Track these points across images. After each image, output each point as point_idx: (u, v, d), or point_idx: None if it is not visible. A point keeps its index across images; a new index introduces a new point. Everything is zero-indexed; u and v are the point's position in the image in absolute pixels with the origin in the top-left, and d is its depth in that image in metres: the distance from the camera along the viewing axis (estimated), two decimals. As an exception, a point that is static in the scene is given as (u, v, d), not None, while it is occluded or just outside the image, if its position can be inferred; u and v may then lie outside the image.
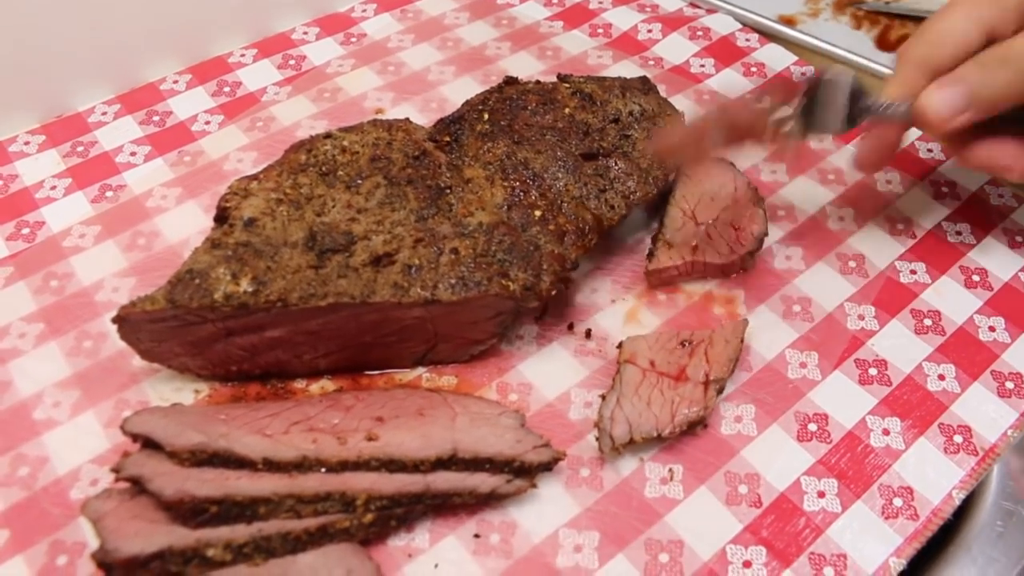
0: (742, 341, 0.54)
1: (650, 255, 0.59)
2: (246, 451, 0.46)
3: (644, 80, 0.64)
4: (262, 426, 0.48)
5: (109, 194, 0.65)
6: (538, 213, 0.54)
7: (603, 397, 0.51)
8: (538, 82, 0.62)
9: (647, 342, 0.54)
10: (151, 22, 0.71)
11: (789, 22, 0.86)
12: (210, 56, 0.76)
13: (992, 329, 0.58)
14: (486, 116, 0.58)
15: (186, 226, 0.62)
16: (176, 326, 0.49)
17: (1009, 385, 0.56)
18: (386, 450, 0.47)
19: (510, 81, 0.62)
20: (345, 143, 0.55)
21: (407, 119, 0.59)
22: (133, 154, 0.68)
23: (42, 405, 0.53)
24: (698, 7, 0.83)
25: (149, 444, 0.47)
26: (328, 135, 0.56)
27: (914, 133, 0.71)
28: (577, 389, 0.54)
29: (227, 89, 0.73)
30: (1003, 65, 0.52)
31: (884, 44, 0.85)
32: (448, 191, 0.54)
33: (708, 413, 0.51)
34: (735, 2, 0.83)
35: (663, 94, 0.70)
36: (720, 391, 0.52)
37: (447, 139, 0.57)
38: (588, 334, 0.56)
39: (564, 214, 0.54)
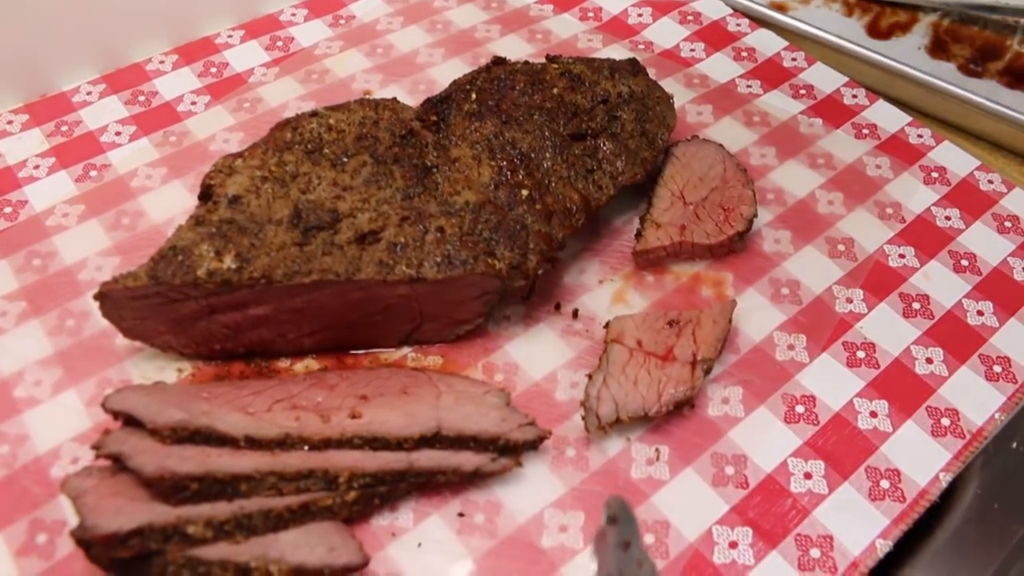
0: (730, 322, 0.54)
1: (638, 235, 0.58)
2: (228, 428, 0.46)
3: (633, 62, 0.64)
4: (245, 404, 0.47)
5: (93, 173, 0.64)
6: (525, 192, 0.53)
7: (590, 377, 0.51)
8: (526, 62, 0.61)
9: (634, 322, 0.53)
10: (137, 2, 0.71)
11: (780, 8, 0.85)
12: (197, 37, 0.75)
13: (980, 313, 0.58)
14: (474, 96, 0.58)
15: (171, 206, 0.62)
16: (159, 303, 0.49)
17: (997, 369, 0.56)
18: (370, 428, 0.46)
19: (498, 61, 0.61)
20: (331, 121, 0.55)
21: (394, 99, 0.58)
22: (118, 134, 0.67)
23: (23, 383, 0.52)
24: (689, -9, 0.83)
25: (130, 422, 0.47)
26: (314, 113, 0.56)
27: (904, 118, 0.71)
28: (564, 370, 0.53)
29: (213, 70, 0.72)
30: None
31: (875, 31, 0.85)
32: (435, 170, 0.53)
33: (695, 393, 0.50)
34: (725, -13, 0.83)
35: (654, 77, 0.70)
36: (708, 371, 0.51)
37: (434, 118, 0.57)
38: (575, 314, 0.56)
39: (551, 194, 0.54)
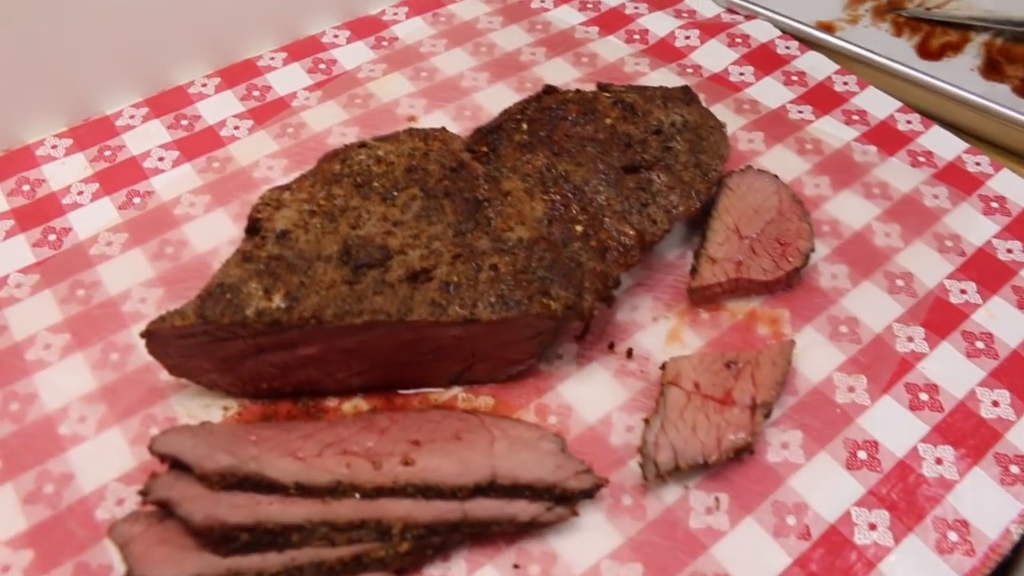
0: (789, 363, 0.52)
1: (693, 271, 0.57)
2: (278, 475, 0.45)
3: (686, 90, 0.62)
4: (294, 448, 0.46)
5: (136, 200, 0.63)
6: (579, 228, 0.52)
7: (646, 421, 0.50)
8: (578, 91, 0.60)
9: (691, 363, 0.52)
10: (179, 23, 0.70)
11: (828, 28, 0.84)
12: (239, 59, 0.74)
13: (1048, 353, 0.57)
14: (524, 126, 0.57)
15: (215, 235, 0.61)
16: (206, 342, 0.48)
17: (1067, 413, 0.54)
18: (423, 475, 0.45)
19: (549, 90, 0.60)
20: (380, 153, 0.54)
21: (443, 128, 0.57)
22: (161, 159, 0.66)
23: (68, 420, 0.52)
24: (736, 13, 0.81)
25: (177, 465, 0.46)
26: (363, 144, 0.54)
27: (960, 145, 0.69)
28: (619, 412, 0.52)
29: (256, 93, 0.71)
30: None
31: (925, 52, 0.83)
32: (486, 204, 0.52)
33: (755, 439, 0.49)
34: (773, 8, 0.81)
35: (703, 103, 0.68)
36: (767, 416, 0.50)
37: (484, 149, 0.56)
38: (629, 354, 0.55)
39: (606, 229, 0.53)
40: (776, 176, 0.62)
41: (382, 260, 0.48)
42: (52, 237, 0.61)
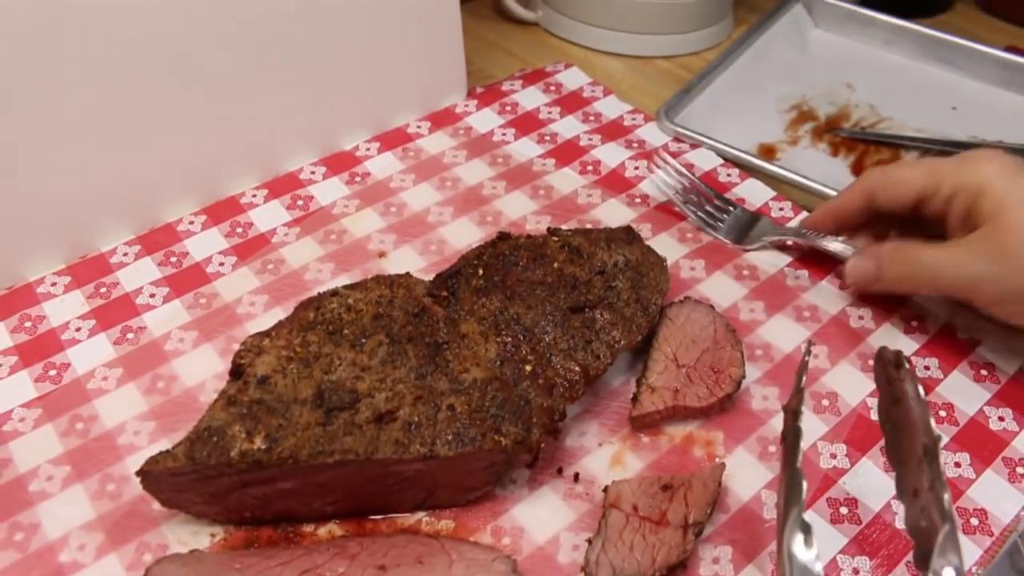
0: (719, 484, 0.58)
1: (634, 399, 0.63)
2: (259, 601, 0.50)
3: (628, 230, 0.69)
4: (274, 575, 0.52)
5: (130, 336, 0.69)
6: (528, 368, 0.58)
7: (589, 541, 0.55)
8: (529, 236, 0.67)
9: (630, 487, 0.58)
10: (168, 164, 0.76)
11: (769, 151, 0.91)
12: (224, 196, 0.80)
13: (958, 464, 0.62)
14: (480, 271, 0.63)
15: (202, 370, 0.66)
16: (195, 479, 0.54)
17: (974, 521, 0.59)
18: (388, 599, 0.51)
19: (503, 236, 0.66)
20: (350, 301, 0.60)
21: (407, 274, 0.63)
22: (152, 296, 0.72)
23: (68, 548, 0.57)
24: (682, 142, 0.89)
25: (169, 592, 0.51)
26: (335, 293, 0.61)
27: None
28: (566, 532, 0.58)
29: (239, 230, 0.77)
30: (910, 266, 0.65)
31: (860, 171, 0.90)
32: (445, 347, 0.58)
33: (687, 557, 0.55)
34: (716, 136, 0.88)
35: (649, 233, 0.76)
36: (699, 534, 0.56)
37: (444, 294, 0.62)
38: (576, 477, 0.60)
39: (553, 367, 0.59)
40: (712, 307, 0.69)
41: (352, 403, 0.55)
42: (52, 372, 0.67)
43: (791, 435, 0.51)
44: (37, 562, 0.56)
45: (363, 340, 0.58)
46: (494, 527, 0.58)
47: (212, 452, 0.52)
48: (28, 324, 0.70)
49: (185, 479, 0.54)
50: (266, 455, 0.52)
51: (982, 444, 0.63)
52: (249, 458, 0.52)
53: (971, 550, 0.57)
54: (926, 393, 0.65)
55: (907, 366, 0.53)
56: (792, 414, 0.52)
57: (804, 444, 0.58)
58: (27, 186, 0.69)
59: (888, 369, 0.53)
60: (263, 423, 0.53)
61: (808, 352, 0.54)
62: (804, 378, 0.52)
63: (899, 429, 0.54)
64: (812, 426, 0.64)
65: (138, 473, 0.54)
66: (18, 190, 0.69)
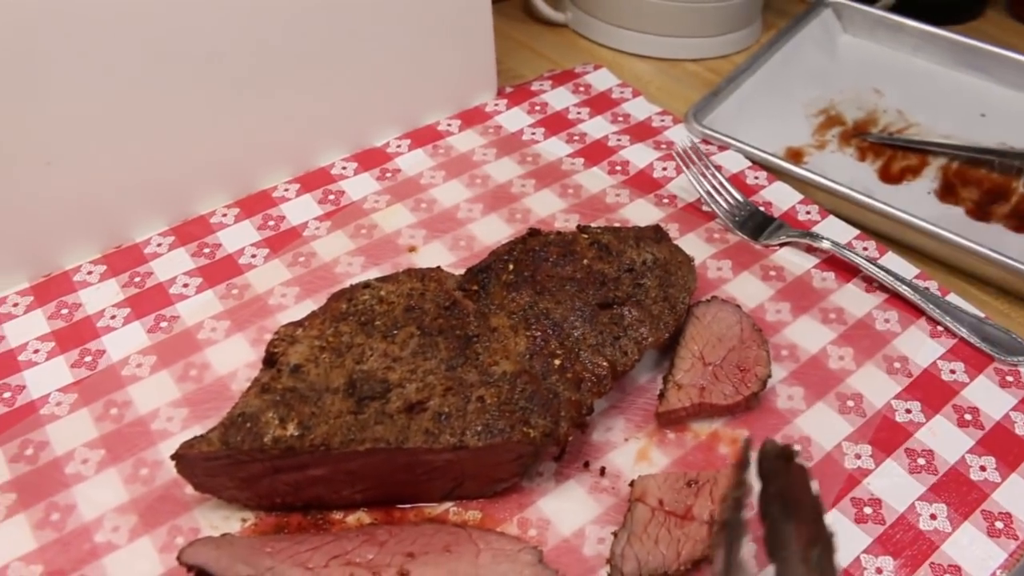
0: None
1: (661, 396, 0.63)
2: (290, 584, 0.51)
3: (657, 228, 0.70)
4: (304, 559, 0.53)
5: (164, 324, 0.70)
6: (557, 362, 0.59)
7: (615, 534, 0.56)
8: (559, 233, 0.67)
9: (656, 482, 0.58)
10: (203, 157, 0.77)
11: (797, 155, 0.91)
12: (256, 190, 0.82)
13: (983, 468, 0.63)
14: (511, 267, 0.64)
15: (234, 359, 0.67)
16: (228, 464, 0.55)
17: (999, 525, 0.59)
18: (416, 585, 0.52)
19: (533, 232, 0.67)
20: (382, 293, 0.61)
21: (439, 268, 0.64)
22: (185, 286, 0.73)
23: (102, 529, 0.58)
24: (710, 144, 0.89)
25: (202, 574, 0.52)
26: (367, 284, 0.62)
27: (911, 270, 0.76)
28: (591, 525, 0.58)
29: (271, 223, 0.79)
30: None
31: (887, 176, 0.90)
32: (475, 340, 0.59)
33: (711, 552, 0.55)
34: (745, 138, 0.89)
35: (676, 232, 0.76)
36: (723, 530, 0.56)
37: (475, 288, 0.63)
38: (602, 472, 0.61)
39: (581, 362, 0.59)
40: (739, 306, 0.69)
41: (383, 393, 0.55)
42: (88, 359, 0.68)
43: (731, 527, 0.46)
44: (73, 542, 0.57)
45: (395, 331, 0.59)
46: (520, 518, 0.59)
47: (246, 437, 0.53)
48: (65, 311, 0.71)
49: (218, 464, 0.55)
50: (299, 442, 0.53)
51: (1007, 449, 0.64)
52: (282, 444, 0.53)
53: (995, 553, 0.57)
54: (953, 396, 0.66)
55: (797, 459, 0.49)
56: (734, 503, 0.47)
57: (828, 444, 0.59)
58: (65, 177, 0.71)
59: (774, 463, 0.50)
60: (296, 410, 0.54)
61: (747, 448, 0.50)
62: (746, 472, 0.49)
63: (781, 521, 0.50)
64: (837, 426, 0.64)
65: (173, 457, 0.55)
66: (56, 181, 0.70)
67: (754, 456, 0.50)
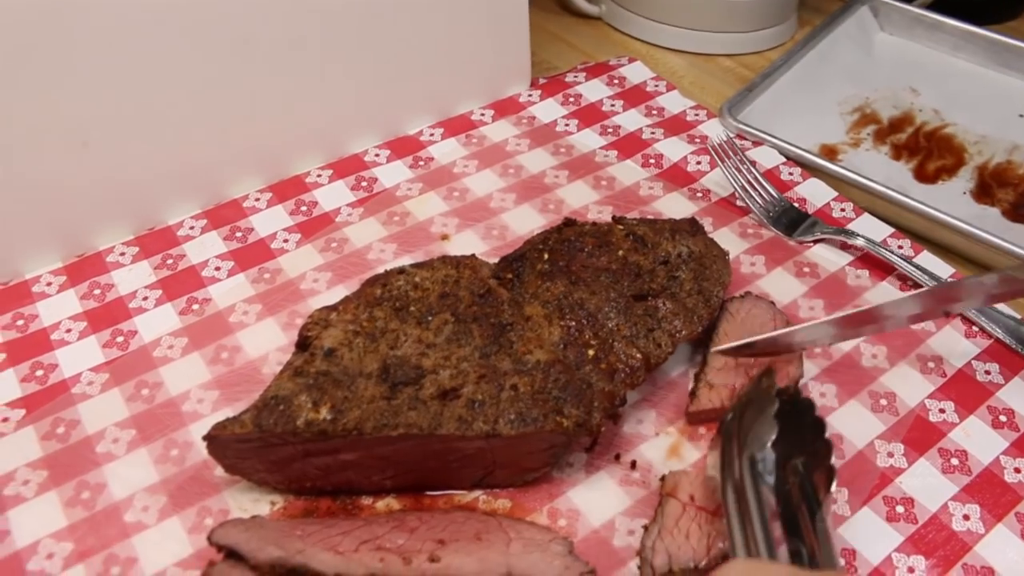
0: (776, 480, 0.58)
1: (692, 394, 0.63)
2: (321, 567, 0.51)
3: (692, 222, 0.69)
4: (334, 543, 0.53)
5: (195, 307, 0.70)
6: (591, 352, 0.58)
7: (645, 528, 0.56)
8: (594, 223, 0.67)
9: (688, 477, 0.58)
10: (237, 142, 0.78)
11: (831, 152, 0.91)
12: (289, 175, 0.82)
13: (1018, 471, 0.62)
14: (546, 256, 0.64)
15: (265, 343, 0.68)
16: (259, 446, 0.55)
17: (1032, 526, 0.59)
18: (447, 572, 0.51)
19: (568, 222, 0.67)
20: (417, 279, 0.61)
21: (473, 256, 0.64)
22: (218, 269, 0.73)
23: (132, 508, 0.58)
24: (744, 139, 0.89)
25: (232, 555, 0.52)
26: (402, 271, 0.61)
27: (947, 270, 0.75)
28: (621, 517, 0.58)
29: (304, 208, 0.79)
30: None
31: (922, 175, 0.89)
32: (509, 328, 0.59)
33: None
34: (780, 134, 0.88)
35: (710, 227, 0.76)
36: (755, 526, 0.56)
37: (510, 276, 0.63)
38: (633, 465, 0.61)
39: (615, 353, 0.59)
40: (772, 303, 0.69)
41: (416, 379, 0.55)
42: (120, 339, 0.68)
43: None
44: (104, 520, 0.57)
45: (429, 318, 0.59)
46: (550, 509, 0.58)
47: (278, 420, 0.53)
48: (97, 291, 0.71)
49: (250, 446, 0.55)
50: (331, 425, 0.53)
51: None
52: (314, 428, 0.53)
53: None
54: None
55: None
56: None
57: (860, 443, 0.59)
58: (101, 158, 0.71)
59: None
60: (329, 394, 0.54)
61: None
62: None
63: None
64: (870, 424, 0.64)
65: (205, 438, 0.55)
66: (92, 162, 0.71)
67: None
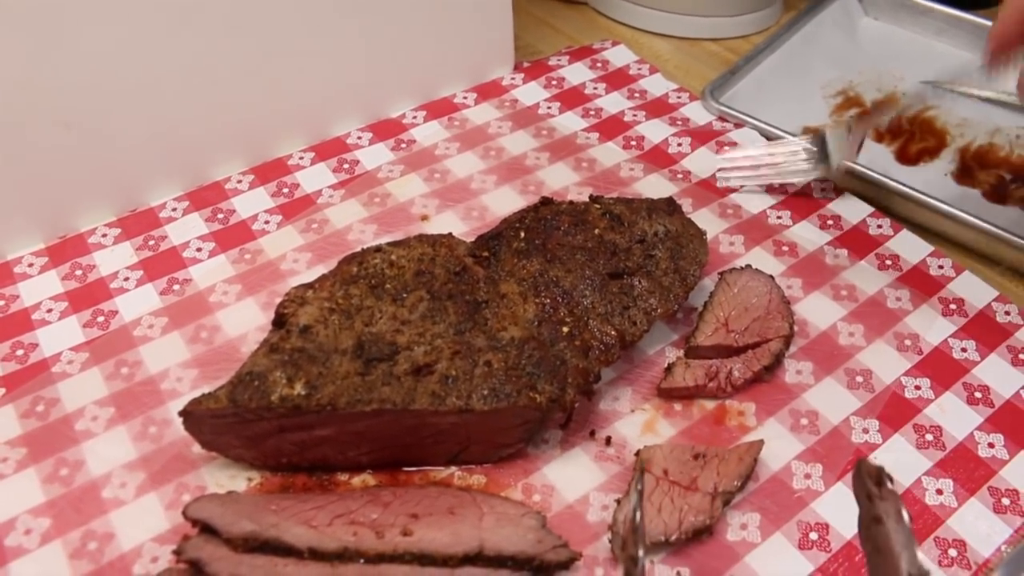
0: (755, 461, 0.58)
1: (668, 369, 0.63)
2: (294, 540, 0.51)
3: (670, 201, 0.70)
4: (308, 517, 0.53)
5: (176, 287, 0.71)
6: (566, 329, 0.59)
7: (618, 501, 0.56)
8: (571, 202, 0.67)
9: (662, 452, 0.58)
10: (220, 124, 0.78)
11: (813, 134, 0.91)
12: (272, 157, 0.82)
13: (991, 446, 0.62)
14: (522, 234, 0.64)
15: (244, 322, 0.68)
16: (235, 422, 0.55)
17: (1005, 501, 0.59)
18: (419, 545, 0.52)
19: (545, 201, 0.67)
20: (393, 257, 0.61)
21: (450, 234, 0.64)
22: (199, 250, 0.74)
23: (110, 485, 0.58)
24: (726, 121, 0.89)
25: (206, 529, 0.52)
26: (378, 249, 0.62)
27: (926, 248, 0.75)
28: (596, 492, 0.58)
29: (286, 190, 0.79)
30: None
31: (904, 157, 0.89)
32: (484, 305, 0.59)
33: (713, 523, 0.55)
34: (763, 117, 0.88)
35: (689, 207, 0.76)
36: (727, 502, 0.56)
37: (486, 254, 0.63)
38: (608, 441, 0.61)
39: (590, 330, 0.59)
40: (771, 277, 0.69)
41: (391, 355, 0.56)
42: (100, 319, 0.68)
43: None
44: (81, 497, 0.58)
45: (404, 295, 0.59)
46: (525, 484, 0.59)
47: (253, 395, 0.54)
48: (79, 272, 0.72)
49: (225, 421, 0.55)
50: (305, 401, 0.54)
51: (1016, 426, 0.63)
52: (289, 403, 0.53)
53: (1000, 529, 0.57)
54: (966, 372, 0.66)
55: (889, 484, 0.45)
56: (630, 561, 0.48)
57: (836, 419, 0.59)
58: (83, 140, 0.71)
59: (868, 486, 0.46)
60: (304, 370, 0.55)
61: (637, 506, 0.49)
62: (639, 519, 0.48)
63: (880, 552, 0.46)
64: (845, 401, 0.64)
65: (181, 413, 0.55)
66: (74, 143, 0.71)
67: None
